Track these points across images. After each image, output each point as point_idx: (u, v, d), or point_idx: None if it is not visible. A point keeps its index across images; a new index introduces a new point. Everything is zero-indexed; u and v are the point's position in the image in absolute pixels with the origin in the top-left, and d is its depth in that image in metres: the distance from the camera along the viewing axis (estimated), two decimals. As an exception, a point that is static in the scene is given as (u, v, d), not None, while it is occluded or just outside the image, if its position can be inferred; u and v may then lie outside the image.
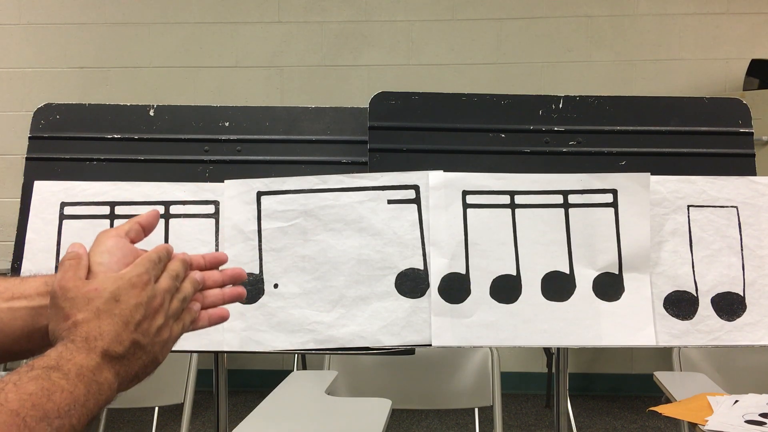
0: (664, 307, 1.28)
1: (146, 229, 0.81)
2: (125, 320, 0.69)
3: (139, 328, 0.69)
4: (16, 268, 1.25)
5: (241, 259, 1.28)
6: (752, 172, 1.34)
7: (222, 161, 1.34)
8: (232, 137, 1.36)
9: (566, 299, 1.27)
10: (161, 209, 1.29)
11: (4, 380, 0.59)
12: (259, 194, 1.30)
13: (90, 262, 0.74)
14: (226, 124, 1.37)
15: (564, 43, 3.92)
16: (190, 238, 1.29)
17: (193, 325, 0.79)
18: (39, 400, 0.57)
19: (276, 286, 1.27)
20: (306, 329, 1.25)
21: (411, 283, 1.26)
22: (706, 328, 1.27)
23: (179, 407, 2.21)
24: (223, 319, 0.82)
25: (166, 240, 1.28)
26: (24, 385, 0.58)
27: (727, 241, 1.30)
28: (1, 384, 0.58)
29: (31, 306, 0.77)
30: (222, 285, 0.83)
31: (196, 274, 0.79)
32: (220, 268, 0.86)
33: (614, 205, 1.30)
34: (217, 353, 1.37)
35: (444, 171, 1.30)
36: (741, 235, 1.30)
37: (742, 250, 1.30)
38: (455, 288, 1.26)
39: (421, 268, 1.27)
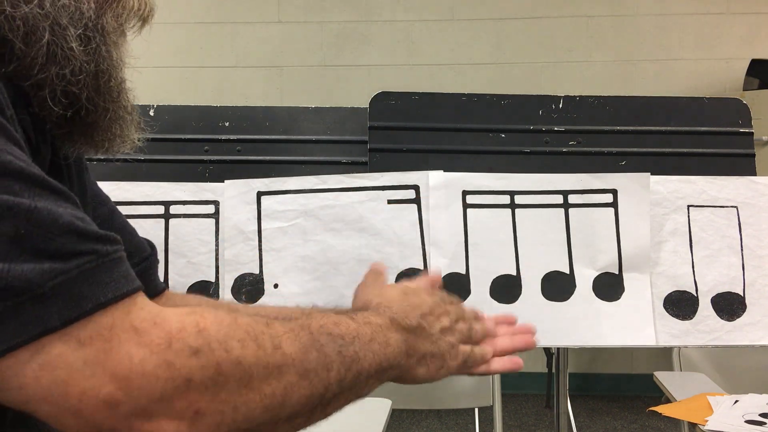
0: (664, 307, 1.28)
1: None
2: (414, 305, 0.77)
3: (425, 318, 0.76)
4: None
5: (241, 259, 1.28)
6: (752, 172, 1.34)
7: (222, 161, 1.34)
8: (232, 137, 1.36)
9: (566, 299, 1.27)
10: (161, 209, 1.29)
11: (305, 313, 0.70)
12: (259, 194, 1.30)
13: None
14: (226, 124, 1.37)
15: (564, 43, 3.92)
16: (190, 238, 1.28)
17: (486, 367, 0.87)
18: (329, 328, 0.65)
19: (276, 286, 1.27)
20: (306, 329, 1.25)
21: (411, 283, 1.26)
22: (706, 328, 1.27)
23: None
24: (516, 366, 0.90)
25: (166, 240, 1.28)
26: (317, 319, 0.67)
27: (727, 241, 1.30)
28: (297, 314, 0.70)
29: None
30: (513, 334, 0.92)
31: (488, 322, 0.88)
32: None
33: (614, 205, 1.30)
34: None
35: (444, 171, 1.30)
36: (741, 235, 1.30)
37: (742, 250, 1.30)
38: (455, 288, 1.26)
39: (421, 268, 1.27)
